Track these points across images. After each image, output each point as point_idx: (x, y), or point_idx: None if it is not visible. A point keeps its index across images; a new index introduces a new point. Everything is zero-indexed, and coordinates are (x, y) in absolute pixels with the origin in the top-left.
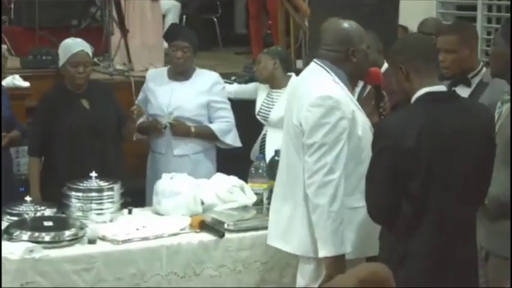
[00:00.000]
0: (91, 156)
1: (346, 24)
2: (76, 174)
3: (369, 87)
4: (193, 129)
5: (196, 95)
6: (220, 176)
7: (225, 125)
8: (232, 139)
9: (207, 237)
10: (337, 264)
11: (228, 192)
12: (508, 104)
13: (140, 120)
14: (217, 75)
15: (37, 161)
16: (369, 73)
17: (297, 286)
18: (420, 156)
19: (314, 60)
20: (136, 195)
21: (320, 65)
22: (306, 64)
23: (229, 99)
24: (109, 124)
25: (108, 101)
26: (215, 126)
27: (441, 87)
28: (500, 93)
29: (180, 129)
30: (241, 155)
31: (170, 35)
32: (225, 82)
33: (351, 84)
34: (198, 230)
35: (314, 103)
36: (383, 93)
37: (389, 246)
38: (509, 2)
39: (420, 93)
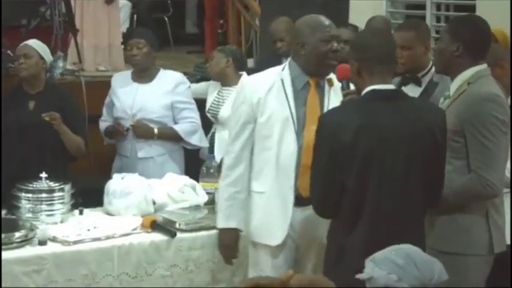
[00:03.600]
0: (25, 159)
1: (300, 18)
2: (15, 175)
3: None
4: (156, 131)
5: (159, 95)
6: (171, 176)
7: (189, 126)
8: (198, 139)
9: (158, 237)
10: (221, 237)
11: (180, 192)
12: (448, 100)
13: (106, 124)
14: (181, 75)
15: None
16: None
17: None
18: (356, 151)
19: None
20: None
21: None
22: (257, 63)
23: None
24: (47, 129)
25: (59, 108)
26: (179, 127)
27: (389, 86)
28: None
29: (143, 131)
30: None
31: (125, 37)
32: None
33: (313, 78)
34: (149, 230)
35: None
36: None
37: (330, 241)
38: (457, 1)
39: (366, 90)
